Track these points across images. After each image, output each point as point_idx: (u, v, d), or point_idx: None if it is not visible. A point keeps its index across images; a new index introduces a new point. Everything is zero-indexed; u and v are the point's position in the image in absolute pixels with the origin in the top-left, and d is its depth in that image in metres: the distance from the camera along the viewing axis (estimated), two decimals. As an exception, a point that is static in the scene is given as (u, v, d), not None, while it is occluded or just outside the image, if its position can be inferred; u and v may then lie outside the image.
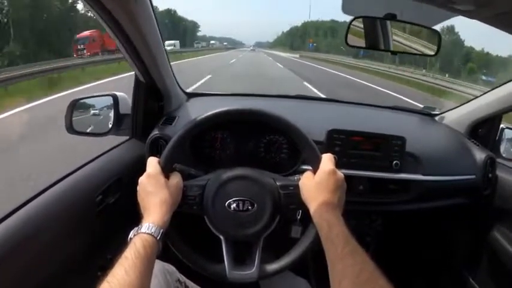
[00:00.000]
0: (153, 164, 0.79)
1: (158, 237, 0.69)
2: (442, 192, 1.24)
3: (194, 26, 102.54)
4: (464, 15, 0.58)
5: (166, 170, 0.79)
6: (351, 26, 0.97)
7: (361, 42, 0.99)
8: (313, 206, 0.75)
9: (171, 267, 0.93)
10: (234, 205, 0.80)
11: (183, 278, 0.95)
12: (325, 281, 0.64)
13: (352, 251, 0.64)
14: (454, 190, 1.25)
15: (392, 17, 0.92)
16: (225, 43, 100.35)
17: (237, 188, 0.81)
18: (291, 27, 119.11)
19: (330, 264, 0.65)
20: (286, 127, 0.84)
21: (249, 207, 0.80)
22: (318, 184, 0.77)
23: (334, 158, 0.81)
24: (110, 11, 0.81)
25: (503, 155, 1.37)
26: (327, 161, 0.79)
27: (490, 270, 1.34)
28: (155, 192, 0.75)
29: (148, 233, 0.68)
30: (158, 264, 0.88)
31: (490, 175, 1.25)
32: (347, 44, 0.98)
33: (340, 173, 0.78)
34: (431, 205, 1.24)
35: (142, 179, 0.78)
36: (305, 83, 12.26)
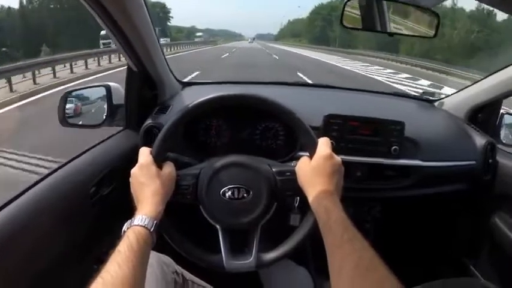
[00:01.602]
0: (145, 154, 0.78)
1: (152, 229, 0.67)
2: (441, 178, 1.23)
3: (162, 11, 67.87)
4: None
5: (159, 160, 0.77)
6: (346, 7, 0.94)
7: (357, 24, 0.97)
8: (310, 191, 0.74)
9: (168, 259, 0.93)
10: (229, 193, 0.78)
11: (180, 269, 0.94)
12: (324, 269, 0.62)
13: (351, 238, 0.62)
14: (454, 176, 1.23)
15: (388, -3, 0.90)
16: (198, 33, 72.07)
17: (231, 176, 0.80)
18: (317, 5, 71.49)
19: (328, 252, 0.63)
20: (281, 112, 0.82)
21: (245, 195, 0.79)
22: (314, 169, 0.75)
23: (332, 142, 0.79)
24: (100, 1, 0.79)
25: (503, 141, 1.36)
26: (323, 145, 0.77)
27: (490, 257, 1.33)
28: (147, 183, 0.74)
29: (141, 225, 0.67)
30: (155, 256, 0.87)
31: (490, 161, 1.24)
32: (343, 25, 0.96)
33: (337, 157, 0.76)
34: (431, 191, 1.23)
35: (134, 170, 0.77)
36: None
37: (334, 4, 59.89)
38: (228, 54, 23.16)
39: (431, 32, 0.99)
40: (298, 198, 0.82)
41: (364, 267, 0.58)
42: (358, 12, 0.96)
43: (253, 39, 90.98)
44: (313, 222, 0.77)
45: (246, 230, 0.82)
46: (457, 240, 1.49)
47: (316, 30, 62.63)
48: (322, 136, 0.81)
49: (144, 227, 0.67)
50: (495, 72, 1.28)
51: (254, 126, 1.13)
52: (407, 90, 9.64)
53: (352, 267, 0.58)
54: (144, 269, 0.63)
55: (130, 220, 0.69)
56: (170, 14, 73.70)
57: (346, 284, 0.57)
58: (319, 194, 0.72)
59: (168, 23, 72.62)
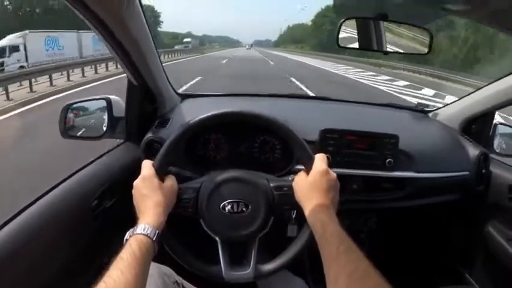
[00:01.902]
0: (147, 166, 0.81)
1: (154, 238, 0.69)
2: (436, 189, 1.25)
3: (152, 15, 59.18)
4: (455, 15, 0.59)
5: (161, 173, 0.80)
6: (343, 26, 0.97)
7: (353, 43, 0.99)
8: (306, 206, 0.76)
9: (169, 270, 0.94)
10: (229, 207, 0.81)
11: (180, 279, 0.95)
12: (321, 280, 0.64)
13: (346, 250, 0.64)
14: (448, 186, 1.25)
15: (383, 17, 0.92)
16: (186, 39, 56.45)
17: (231, 190, 0.82)
18: (324, 7, 60.55)
19: (325, 264, 0.66)
20: (278, 128, 0.85)
21: (244, 209, 0.81)
22: (311, 184, 0.77)
23: (327, 157, 0.82)
24: (98, 15, 0.80)
25: (497, 151, 1.38)
26: (320, 161, 0.80)
27: (485, 266, 1.35)
28: (150, 195, 0.76)
29: (143, 234, 0.69)
30: (155, 267, 0.89)
31: (483, 171, 1.26)
32: (338, 45, 0.98)
33: (333, 173, 0.79)
34: (426, 202, 1.25)
35: (137, 182, 0.79)
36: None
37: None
38: (200, 78, 12.20)
39: (425, 49, 1.02)
40: (295, 211, 0.84)
41: (359, 277, 0.60)
42: (354, 31, 0.98)
43: (251, 45, 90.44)
44: (309, 234, 0.79)
45: (245, 242, 0.84)
46: (452, 249, 1.50)
47: (323, 35, 50.32)
48: (319, 150, 0.83)
49: (146, 235, 0.69)
50: (489, 84, 1.31)
51: (252, 140, 1.15)
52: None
53: (348, 277, 0.60)
54: (145, 277, 0.65)
55: (132, 229, 0.71)
56: (160, 18, 67.73)
57: None
58: (315, 208, 0.74)
59: (159, 28, 64.99)
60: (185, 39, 57.04)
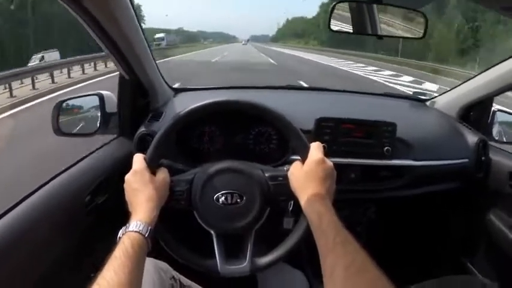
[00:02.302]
0: (138, 160, 0.79)
1: (146, 235, 0.68)
2: (435, 177, 1.24)
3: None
4: None
5: (153, 166, 0.78)
6: (336, 10, 0.94)
7: (347, 28, 0.97)
8: (302, 196, 0.74)
9: (165, 265, 0.93)
10: (223, 198, 0.79)
11: (177, 275, 0.94)
12: (320, 273, 0.63)
13: (343, 241, 0.63)
14: (447, 174, 1.24)
15: (377, 0, 0.90)
16: (158, 35, 41.11)
17: (225, 181, 0.80)
18: None
19: (321, 255, 0.64)
20: (272, 116, 0.83)
21: (238, 200, 0.79)
22: (306, 174, 0.76)
23: (323, 146, 0.80)
24: (88, 10, 0.79)
25: (496, 138, 1.37)
26: (315, 150, 0.78)
27: (487, 254, 1.34)
28: (141, 189, 0.75)
29: (136, 231, 0.68)
30: (152, 262, 0.88)
31: (483, 158, 1.25)
32: (330, 29, 0.96)
33: (329, 162, 0.77)
34: (425, 190, 1.24)
35: (128, 176, 0.78)
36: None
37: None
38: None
39: (420, 33, 1.00)
40: (292, 202, 0.83)
41: (356, 269, 0.58)
42: (348, 15, 0.95)
43: (247, 40, 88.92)
44: (306, 226, 0.77)
45: (241, 234, 0.83)
46: (453, 238, 1.49)
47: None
48: (314, 139, 0.82)
49: (138, 232, 0.68)
50: (486, 70, 1.29)
51: (247, 131, 1.14)
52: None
53: (344, 269, 0.58)
54: (139, 274, 0.64)
55: (125, 226, 0.70)
56: (142, 13, 52.63)
57: (338, 286, 0.58)
58: (311, 198, 0.72)
59: (142, 24, 60.43)
60: (157, 35, 41.74)
